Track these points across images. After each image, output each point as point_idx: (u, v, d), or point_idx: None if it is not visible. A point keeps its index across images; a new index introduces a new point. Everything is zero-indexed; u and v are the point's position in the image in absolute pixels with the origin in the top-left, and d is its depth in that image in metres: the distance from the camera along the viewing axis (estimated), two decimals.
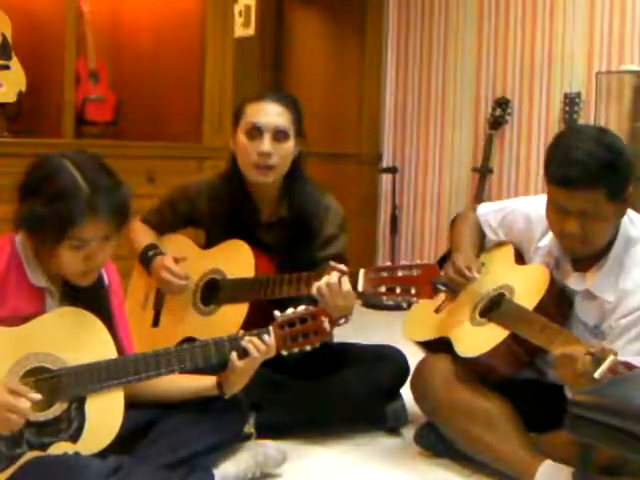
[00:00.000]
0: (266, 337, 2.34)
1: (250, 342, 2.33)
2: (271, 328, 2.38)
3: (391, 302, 2.55)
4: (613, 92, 4.66)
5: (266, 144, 2.84)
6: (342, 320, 2.69)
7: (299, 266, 2.80)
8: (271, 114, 2.87)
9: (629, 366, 2.18)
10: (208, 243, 3.04)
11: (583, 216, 2.41)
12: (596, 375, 2.18)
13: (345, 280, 2.59)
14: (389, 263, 2.62)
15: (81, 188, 2.13)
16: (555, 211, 2.48)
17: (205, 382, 2.38)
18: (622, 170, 2.42)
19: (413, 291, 2.49)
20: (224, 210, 2.95)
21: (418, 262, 2.55)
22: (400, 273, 2.51)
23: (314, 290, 2.60)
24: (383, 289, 2.52)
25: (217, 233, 2.96)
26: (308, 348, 2.41)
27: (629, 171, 2.45)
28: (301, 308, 2.41)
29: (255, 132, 2.87)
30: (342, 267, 2.65)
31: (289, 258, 2.88)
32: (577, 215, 2.41)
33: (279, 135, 2.87)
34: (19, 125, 4.15)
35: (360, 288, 2.57)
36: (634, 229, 2.53)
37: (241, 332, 2.39)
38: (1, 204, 3.24)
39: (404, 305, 2.56)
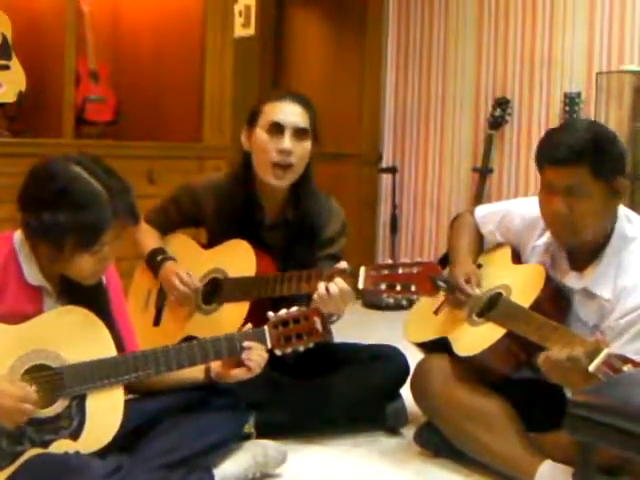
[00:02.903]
0: (265, 353, 2.38)
1: (249, 355, 2.36)
2: (266, 328, 2.40)
3: (391, 299, 2.56)
4: (613, 92, 4.66)
5: (287, 141, 2.84)
6: (334, 317, 2.69)
7: (299, 267, 2.81)
8: (292, 113, 2.88)
9: (624, 359, 2.19)
10: (210, 243, 3.04)
11: (569, 194, 2.46)
12: (591, 368, 2.20)
13: (342, 281, 2.60)
14: (390, 261, 2.62)
15: (101, 194, 2.15)
16: (544, 193, 2.53)
17: (193, 371, 2.40)
18: (607, 150, 2.50)
19: (413, 288, 2.50)
20: (230, 211, 2.95)
21: (418, 260, 2.56)
22: (400, 270, 2.52)
23: (321, 290, 2.60)
24: (383, 286, 2.53)
25: (220, 233, 2.96)
26: (301, 348, 2.43)
27: (617, 156, 2.53)
28: (294, 309, 2.44)
29: (276, 129, 2.86)
30: (343, 265, 2.65)
31: (289, 259, 2.88)
32: (564, 193, 2.47)
33: (299, 133, 2.87)
34: (19, 125, 4.14)
35: (361, 285, 2.58)
36: (631, 228, 2.55)
37: (237, 332, 2.41)
38: (1, 204, 3.25)
39: (404, 303, 2.57)
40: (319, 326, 2.43)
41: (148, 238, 3.06)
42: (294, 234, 2.93)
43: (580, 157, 2.45)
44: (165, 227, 3.10)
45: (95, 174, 2.17)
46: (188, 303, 2.94)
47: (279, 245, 2.93)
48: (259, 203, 2.95)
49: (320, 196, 3.00)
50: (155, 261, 3.00)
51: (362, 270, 2.59)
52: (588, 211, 2.47)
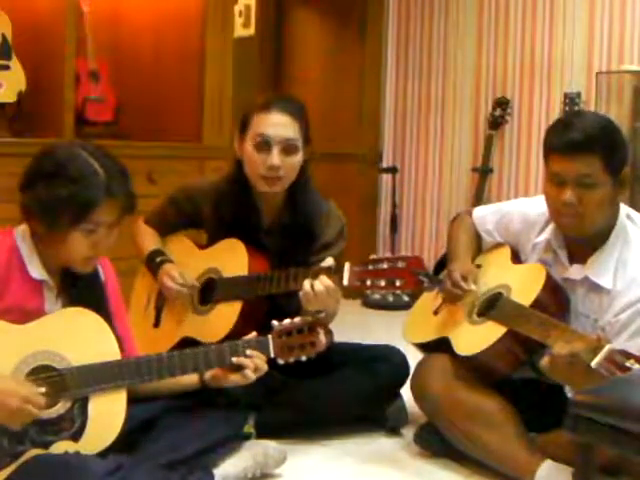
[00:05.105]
0: (265, 365, 2.39)
1: (250, 362, 2.37)
2: (270, 337, 2.41)
3: (377, 295, 2.55)
4: (613, 92, 4.66)
5: (275, 158, 2.82)
6: (323, 313, 2.68)
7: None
8: (279, 126, 2.84)
9: (626, 354, 2.19)
10: (210, 244, 3.04)
11: (580, 184, 2.46)
12: (593, 364, 2.20)
13: (326, 279, 2.59)
14: (374, 256, 2.62)
15: (98, 172, 2.18)
16: (553, 184, 2.53)
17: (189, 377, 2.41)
18: (617, 142, 2.53)
19: (398, 283, 2.49)
20: (227, 214, 2.95)
21: (403, 254, 2.56)
22: (385, 266, 2.51)
23: (306, 288, 2.60)
24: (368, 282, 2.52)
25: (219, 236, 2.96)
26: (303, 358, 2.45)
27: (624, 148, 2.56)
28: (298, 319, 2.45)
29: (263, 145, 2.83)
30: (329, 262, 2.64)
31: (286, 262, 2.88)
32: (574, 183, 2.46)
33: (288, 148, 2.84)
34: (19, 125, 4.14)
35: (345, 282, 2.56)
36: (631, 224, 2.57)
37: (242, 339, 2.42)
38: (1, 204, 3.25)
39: (390, 299, 2.57)
40: (322, 337, 2.45)
41: (147, 240, 3.07)
42: (290, 238, 2.92)
43: (592, 146, 2.45)
44: (164, 229, 3.11)
45: (95, 156, 2.21)
46: (184, 301, 2.94)
47: (277, 249, 2.93)
48: (256, 206, 2.95)
49: (319, 200, 2.98)
50: (154, 263, 3.00)
51: (346, 266, 2.57)
52: (597, 202, 2.48)
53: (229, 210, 2.95)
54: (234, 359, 2.36)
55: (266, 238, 2.94)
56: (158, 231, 3.10)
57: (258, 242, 2.92)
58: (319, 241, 2.93)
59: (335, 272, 2.59)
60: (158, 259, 3.00)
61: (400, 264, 2.49)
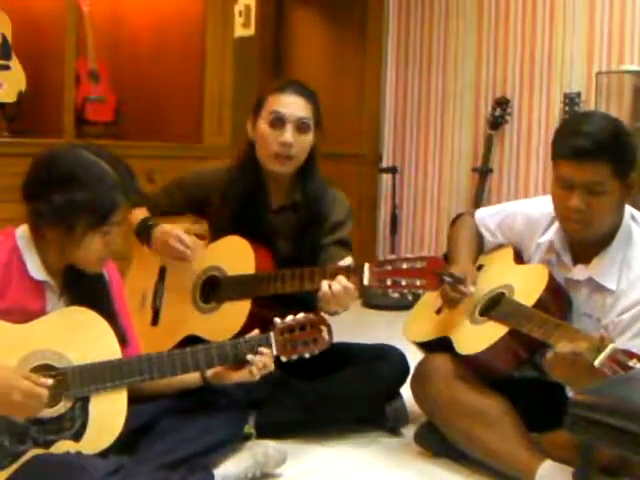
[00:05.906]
0: (272, 364, 2.38)
1: (259, 359, 2.36)
2: (272, 334, 2.40)
3: (397, 294, 2.55)
4: (613, 92, 4.66)
5: (288, 134, 2.87)
6: (340, 310, 2.67)
7: (306, 250, 2.82)
8: (294, 105, 2.90)
9: (629, 354, 2.19)
10: (213, 231, 3.03)
11: (588, 191, 2.44)
12: (596, 363, 2.20)
13: (344, 279, 2.59)
14: (393, 256, 2.61)
15: (110, 174, 2.19)
16: (561, 188, 2.50)
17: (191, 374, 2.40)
18: (627, 147, 2.49)
19: (419, 283, 2.49)
20: (237, 194, 2.95)
21: (422, 254, 2.56)
22: (405, 265, 2.51)
23: (324, 289, 2.60)
24: (389, 282, 2.53)
25: (225, 219, 2.95)
26: (307, 355, 2.44)
27: (634, 152, 2.51)
28: (300, 315, 2.44)
29: (278, 122, 2.88)
30: (348, 261, 2.64)
31: (296, 242, 2.88)
32: (582, 190, 2.44)
33: (301, 126, 2.89)
34: (19, 125, 4.15)
35: (366, 282, 2.57)
36: (636, 226, 2.56)
37: (243, 337, 2.41)
38: (1, 204, 3.25)
39: (410, 298, 2.56)
40: (326, 334, 2.44)
41: (137, 213, 2.98)
42: (301, 218, 2.94)
43: (601, 154, 2.42)
44: (165, 208, 3.07)
45: (102, 157, 2.22)
46: (189, 260, 2.91)
47: (286, 229, 2.94)
48: (264, 185, 2.96)
49: (324, 183, 3.01)
50: (146, 225, 2.95)
51: (366, 267, 2.58)
52: (605, 208, 2.46)
53: (238, 189, 2.94)
54: (249, 357, 2.35)
55: (275, 219, 2.95)
56: (157, 207, 3.04)
57: (265, 223, 2.92)
58: (329, 222, 2.95)
59: (354, 271, 2.60)
60: (150, 222, 2.95)
61: (419, 264, 2.50)
